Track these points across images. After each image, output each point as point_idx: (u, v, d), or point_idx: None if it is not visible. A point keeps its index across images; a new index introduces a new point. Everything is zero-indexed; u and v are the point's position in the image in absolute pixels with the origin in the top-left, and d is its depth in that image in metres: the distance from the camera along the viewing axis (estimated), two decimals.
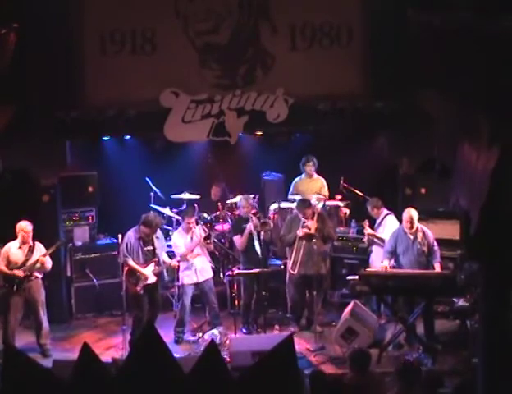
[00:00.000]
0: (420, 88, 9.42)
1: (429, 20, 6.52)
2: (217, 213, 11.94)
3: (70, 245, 11.44)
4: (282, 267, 10.75)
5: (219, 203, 12.07)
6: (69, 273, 11.39)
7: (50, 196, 10.96)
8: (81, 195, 11.67)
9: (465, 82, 6.38)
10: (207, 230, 10.71)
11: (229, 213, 12.01)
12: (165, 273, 10.54)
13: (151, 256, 10.06)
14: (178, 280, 10.58)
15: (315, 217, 10.32)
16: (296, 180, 12.00)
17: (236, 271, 10.45)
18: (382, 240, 10.43)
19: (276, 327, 10.54)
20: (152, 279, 10.01)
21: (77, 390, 3.91)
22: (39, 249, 9.87)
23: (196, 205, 11.82)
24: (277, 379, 3.96)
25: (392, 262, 9.87)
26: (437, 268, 9.68)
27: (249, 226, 10.26)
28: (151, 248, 10.08)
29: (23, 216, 9.86)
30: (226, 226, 11.73)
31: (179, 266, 10.33)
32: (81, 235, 11.62)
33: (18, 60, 9.19)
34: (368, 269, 10.21)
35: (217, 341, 9.15)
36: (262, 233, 10.29)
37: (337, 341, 9.77)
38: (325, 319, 10.82)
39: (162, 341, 3.94)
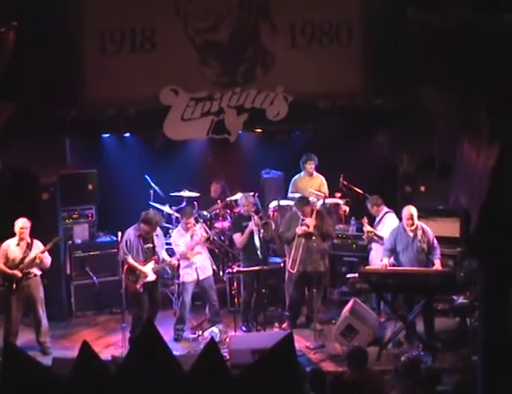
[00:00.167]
0: (420, 85, 9.42)
1: (429, 19, 6.51)
2: (217, 210, 11.94)
3: (70, 242, 11.45)
4: (282, 265, 10.74)
5: (219, 201, 12.07)
6: (68, 271, 11.40)
7: (50, 194, 10.97)
8: (81, 193, 11.67)
9: (465, 80, 6.37)
10: (209, 232, 10.70)
11: (228, 211, 12.02)
12: (168, 270, 10.54)
13: (151, 254, 10.06)
14: (178, 277, 10.59)
15: (314, 215, 10.32)
16: (296, 177, 12.00)
17: (236, 269, 10.46)
18: (381, 238, 10.44)
19: (276, 324, 10.54)
20: (151, 277, 10.01)
21: (77, 388, 3.91)
22: (37, 246, 9.88)
23: (196, 203, 11.82)
24: (277, 377, 3.96)
25: (392, 260, 9.88)
26: (437, 263, 9.68)
27: (251, 225, 10.27)
28: (151, 246, 10.08)
29: (23, 214, 9.86)
30: (226, 224, 11.73)
31: (179, 264, 10.33)
32: (81, 232, 11.62)
33: (18, 58, 9.18)
34: (367, 267, 10.21)
35: (217, 339, 9.14)
36: (261, 231, 10.29)
37: (337, 338, 9.78)
38: (325, 317, 10.82)
39: (161, 338, 3.95)
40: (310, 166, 11.80)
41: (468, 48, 6.13)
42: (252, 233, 10.25)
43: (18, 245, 9.81)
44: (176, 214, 11.73)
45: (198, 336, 10.03)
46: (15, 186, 10.77)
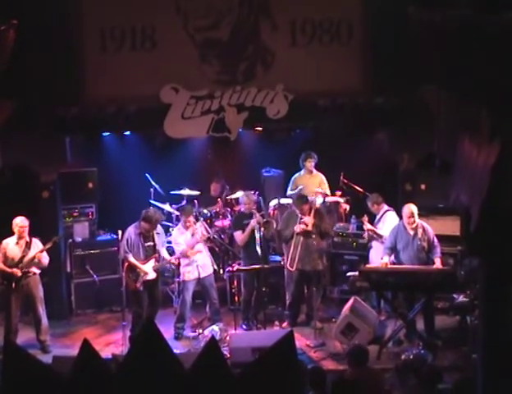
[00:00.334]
0: (420, 84, 9.41)
1: (430, 18, 6.50)
2: (217, 209, 11.95)
3: (70, 241, 11.45)
4: (282, 263, 10.74)
5: (219, 199, 12.08)
6: (69, 269, 11.40)
7: (50, 192, 10.96)
8: (81, 191, 11.67)
9: (465, 79, 6.37)
10: (209, 230, 10.70)
11: (229, 209, 12.02)
12: (169, 268, 10.53)
13: (151, 252, 10.07)
14: (179, 276, 10.60)
15: (312, 213, 10.32)
16: (296, 176, 12.01)
17: (236, 267, 10.46)
18: (381, 236, 10.45)
19: (276, 323, 10.54)
20: (152, 275, 10.02)
21: (77, 386, 3.92)
22: (36, 245, 9.88)
23: (196, 201, 11.82)
24: (278, 375, 3.96)
25: (392, 258, 9.87)
26: (438, 262, 9.68)
27: (252, 223, 10.27)
28: (151, 244, 10.09)
29: (23, 212, 9.86)
30: (226, 223, 11.73)
31: (179, 262, 10.34)
32: (81, 231, 11.62)
33: (18, 56, 9.17)
34: (367, 265, 10.21)
35: (217, 337, 9.14)
36: (262, 229, 10.28)
37: (337, 337, 9.77)
38: (325, 315, 10.82)
39: (162, 337, 3.95)
40: (310, 164, 11.81)
41: (469, 47, 6.13)
42: (253, 231, 10.25)
43: (17, 243, 9.80)
44: (177, 212, 11.74)
45: (199, 334, 10.03)
46: (15, 184, 10.77)
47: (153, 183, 11.99)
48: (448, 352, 9.26)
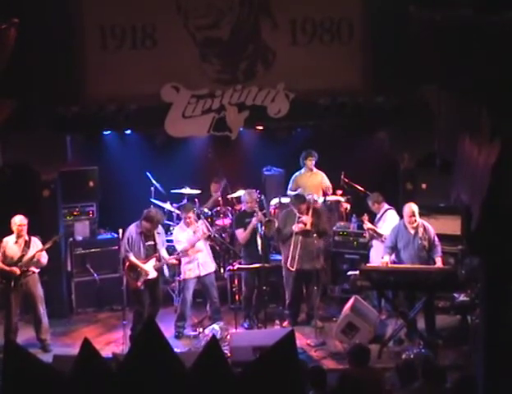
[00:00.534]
0: (421, 83, 9.41)
1: (430, 18, 6.51)
2: (218, 207, 11.95)
3: (71, 239, 11.45)
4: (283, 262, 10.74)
5: (219, 199, 12.08)
6: (69, 268, 11.40)
7: (50, 191, 10.96)
8: (82, 190, 11.67)
9: (466, 78, 6.37)
10: (210, 229, 10.70)
11: (229, 208, 12.02)
12: (166, 269, 10.54)
13: (152, 251, 10.07)
14: (179, 274, 10.61)
15: (310, 212, 10.32)
16: (296, 174, 12.01)
17: (237, 266, 10.46)
18: (381, 235, 10.45)
19: (277, 322, 10.54)
20: (153, 274, 10.02)
21: (77, 385, 3.91)
22: (36, 244, 9.88)
23: (196, 200, 11.83)
24: (278, 375, 3.95)
25: (393, 257, 9.88)
26: (438, 262, 9.70)
27: (254, 221, 10.28)
28: (152, 243, 10.09)
29: (23, 211, 9.86)
30: (227, 221, 11.74)
31: (180, 261, 10.34)
32: (82, 229, 11.62)
33: (18, 55, 9.17)
34: (368, 264, 10.21)
35: (218, 336, 9.14)
36: (263, 228, 10.29)
37: (338, 336, 9.78)
38: (325, 314, 10.83)
39: (162, 336, 3.94)
40: (310, 162, 11.82)
41: (469, 47, 6.13)
42: (254, 230, 10.26)
43: (16, 242, 9.79)
44: (177, 211, 11.74)
45: (199, 333, 10.03)
46: (15, 183, 10.76)
47: (154, 182, 11.99)
48: (449, 351, 9.25)
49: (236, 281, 11.01)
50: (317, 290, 10.27)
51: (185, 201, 11.88)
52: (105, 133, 11.71)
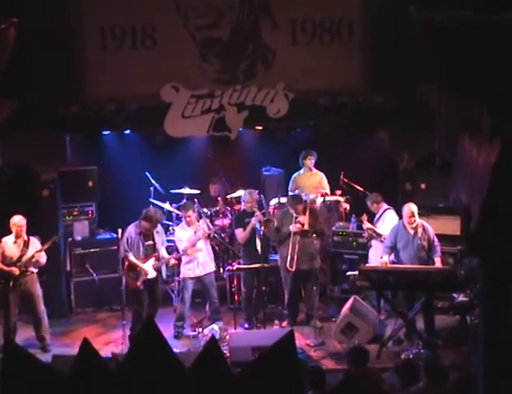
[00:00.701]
0: (421, 83, 9.41)
1: (430, 18, 6.51)
2: (217, 207, 11.95)
3: (70, 239, 11.45)
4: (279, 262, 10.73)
5: (219, 198, 12.07)
6: (69, 268, 11.40)
7: (50, 191, 10.97)
8: (81, 190, 11.67)
9: (466, 78, 6.37)
10: (211, 227, 10.70)
11: (229, 208, 12.02)
12: (163, 269, 10.54)
13: (151, 251, 10.07)
14: (178, 274, 10.61)
15: (307, 213, 10.32)
16: (295, 175, 12.02)
17: (236, 266, 10.46)
18: (380, 235, 10.45)
19: (276, 322, 10.54)
20: (152, 274, 10.02)
21: (77, 385, 3.90)
22: (35, 244, 9.87)
23: (196, 200, 11.82)
24: (278, 375, 3.95)
25: (392, 257, 9.88)
26: (438, 262, 9.70)
27: (253, 221, 10.29)
28: (151, 243, 10.10)
29: (23, 211, 9.85)
30: (226, 221, 11.74)
31: (180, 260, 10.35)
32: (81, 229, 11.62)
33: (18, 55, 9.17)
34: (367, 264, 10.22)
35: (217, 336, 9.13)
36: (263, 228, 10.30)
37: (337, 336, 9.78)
38: (325, 315, 10.82)
39: (161, 336, 3.94)
40: (310, 161, 11.83)
41: (469, 47, 6.13)
42: (254, 230, 10.27)
43: (15, 242, 9.79)
44: (177, 211, 11.74)
45: (198, 333, 10.02)
46: (15, 183, 10.75)
47: (153, 182, 11.99)
48: (448, 351, 9.24)
49: (235, 282, 11.00)
50: (316, 290, 10.27)
51: (184, 201, 11.88)
52: (105, 133, 11.71)
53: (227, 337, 9.40)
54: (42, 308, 9.92)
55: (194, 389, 3.88)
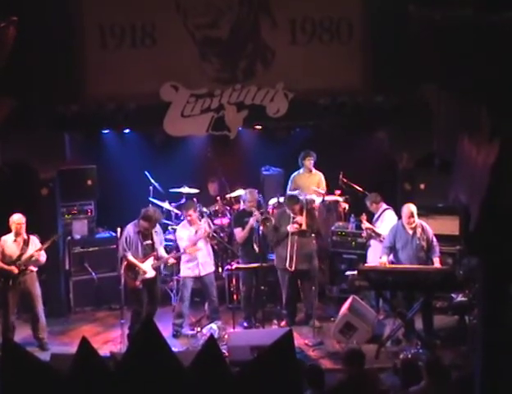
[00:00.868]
0: (420, 83, 9.41)
1: (429, 17, 6.51)
2: (216, 207, 11.95)
3: (69, 238, 11.45)
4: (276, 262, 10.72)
5: (218, 198, 12.07)
6: (67, 267, 11.40)
7: (49, 190, 10.96)
8: (80, 189, 11.66)
9: (466, 78, 6.37)
10: (212, 227, 10.71)
11: (228, 208, 12.02)
12: (162, 269, 10.54)
13: (150, 250, 10.07)
14: (177, 273, 10.62)
15: (304, 213, 10.32)
16: (295, 174, 12.01)
17: (235, 265, 10.47)
18: (379, 235, 10.45)
19: (275, 322, 10.54)
20: (151, 273, 10.02)
21: (75, 384, 3.92)
22: (34, 242, 9.87)
23: (195, 199, 11.82)
24: (276, 374, 3.96)
25: (391, 257, 9.88)
26: (436, 262, 9.71)
27: (252, 221, 10.29)
28: (150, 242, 10.10)
29: (22, 209, 9.85)
30: (225, 221, 11.73)
31: (179, 259, 10.36)
32: (80, 228, 11.61)
33: (18, 53, 9.17)
34: (366, 264, 10.22)
35: (216, 336, 9.14)
36: (261, 228, 10.30)
37: (336, 336, 9.79)
38: (323, 314, 10.82)
39: (160, 335, 3.95)
40: (309, 162, 11.82)
41: (469, 47, 6.13)
42: (252, 229, 10.28)
43: (15, 241, 9.79)
44: (176, 211, 11.75)
45: (197, 332, 10.03)
46: (14, 182, 10.75)
47: (153, 181, 11.98)
48: (446, 351, 9.23)
49: (234, 281, 11.00)
50: (314, 290, 10.27)
51: (183, 200, 11.88)
52: (104, 132, 11.70)
53: (226, 337, 9.41)
54: (40, 307, 9.92)
55: (193, 388, 3.89)
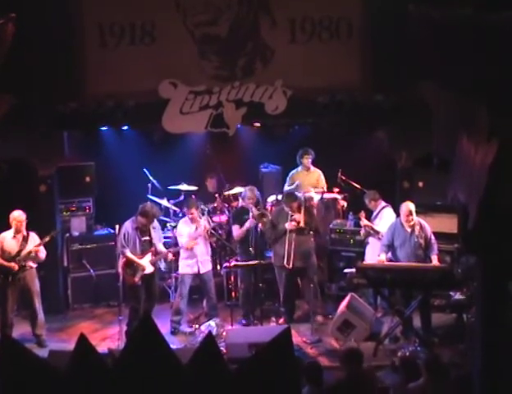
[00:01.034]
0: (420, 82, 9.41)
1: (429, 16, 6.52)
2: (215, 204, 11.96)
3: (67, 235, 11.46)
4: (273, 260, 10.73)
5: (216, 195, 12.08)
6: (66, 264, 11.41)
7: (47, 186, 10.96)
8: (79, 186, 11.66)
9: (465, 76, 6.38)
10: (211, 223, 10.72)
11: (226, 205, 12.02)
12: (162, 264, 10.55)
13: (148, 246, 10.09)
14: (176, 270, 10.63)
15: (302, 210, 10.33)
16: (293, 172, 12.02)
17: (234, 263, 10.49)
18: (378, 232, 10.45)
19: (273, 319, 10.55)
20: (149, 269, 10.03)
21: (73, 380, 3.91)
22: (33, 239, 9.88)
23: (194, 197, 11.82)
24: (274, 371, 3.96)
25: (389, 255, 9.89)
26: (434, 260, 9.72)
27: (250, 223, 10.34)
28: (148, 238, 10.11)
29: (20, 206, 9.86)
30: (224, 218, 11.74)
31: (177, 255, 10.37)
32: (78, 225, 11.62)
33: (17, 51, 9.16)
34: (365, 262, 10.23)
35: (214, 333, 9.14)
36: (259, 225, 10.32)
37: (334, 333, 9.80)
38: (322, 312, 10.82)
39: (158, 332, 3.95)
40: (307, 160, 11.83)
41: (468, 46, 6.14)
42: (250, 229, 10.31)
43: (14, 237, 9.80)
44: (174, 208, 11.76)
45: (195, 329, 10.05)
46: (12, 178, 10.75)
47: (151, 178, 11.98)
48: (444, 349, 9.25)
49: (233, 278, 11.02)
50: (313, 287, 10.28)
51: (182, 197, 11.90)
52: (103, 129, 11.69)
53: (224, 334, 9.42)
54: (38, 303, 9.93)
55: (191, 385, 3.89)
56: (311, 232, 10.31)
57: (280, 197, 11.59)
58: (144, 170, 12.00)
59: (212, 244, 10.99)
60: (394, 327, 9.61)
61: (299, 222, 10.21)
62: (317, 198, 11.60)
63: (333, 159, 12.04)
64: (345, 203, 11.95)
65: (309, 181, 11.84)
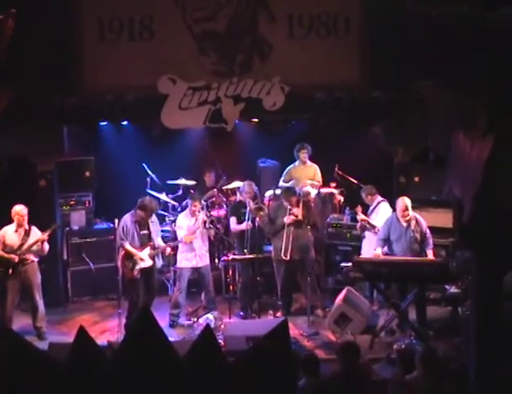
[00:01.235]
0: (417, 78, 9.45)
1: (427, 13, 6.56)
2: (213, 198, 12.00)
3: (67, 229, 11.49)
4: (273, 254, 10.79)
5: (215, 189, 12.12)
6: (65, 257, 11.44)
7: (47, 181, 10.99)
8: (78, 180, 11.69)
9: (463, 73, 6.42)
10: (209, 215, 10.78)
11: (224, 199, 12.06)
12: (159, 260, 10.60)
13: (146, 240, 10.13)
14: (174, 264, 10.68)
15: (300, 205, 10.39)
16: (290, 167, 12.05)
17: (232, 256, 10.55)
18: (374, 227, 10.50)
19: (270, 312, 10.61)
20: (148, 262, 10.08)
21: (73, 372, 3.93)
22: (35, 233, 9.92)
23: (192, 191, 11.87)
24: (272, 364, 4.01)
25: (385, 249, 9.94)
26: (430, 254, 9.76)
27: (246, 225, 10.41)
28: (146, 232, 10.15)
29: (20, 201, 9.89)
30: (222, 212, 11.78)
31: (175, 249, 10.43)
32: (78, 219, 11.66)
33: (16, 46, 9.20)
34: (361, 256, 10.28)
35: (212, 326, 9.19)
36: (257, 219, 10.38)
37: (330, 326, 9.86)
38: (321, 305, 10.87)
39: (157, 324, 3.99)
40: (304, 154, 11.87)
41: (467, 41, 6.19)
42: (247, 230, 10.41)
43: (16, 231, 9.84)
44: (173, 202, 11.80)
45: (194, 322, 10.10)
46: (12, 173, 10.79)
47: (150, 173, 12.02)
48: (440, 342, 9.29)
49: (231, 272, 11.07)
50: (311, 280, 10.33)
51: (180, 192, 11.94)
52: (102, 124, 11.70)
53: (222, 326, 9.46)
54: (39, 296, 9.97)
55: (189, 377, 3.93)
56: (309, 226, 10.38)
57: (277, 191, 11.64)
58: (143, 164, 12.04)
59: (210, 238, 11.04)
60: (390, 320, 9.66)
61: (297, 216, 10.28)
62: (314, 193, 11.65)
63: (330, 154, 12.07)
64: (342, 198, 12.00)
65: (306, 175, 11.89)
